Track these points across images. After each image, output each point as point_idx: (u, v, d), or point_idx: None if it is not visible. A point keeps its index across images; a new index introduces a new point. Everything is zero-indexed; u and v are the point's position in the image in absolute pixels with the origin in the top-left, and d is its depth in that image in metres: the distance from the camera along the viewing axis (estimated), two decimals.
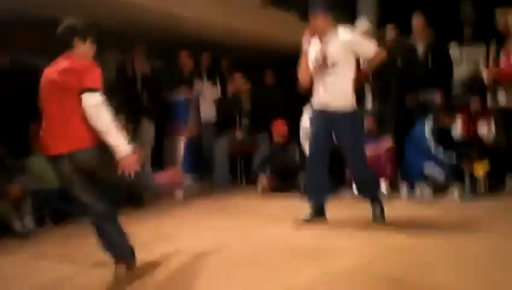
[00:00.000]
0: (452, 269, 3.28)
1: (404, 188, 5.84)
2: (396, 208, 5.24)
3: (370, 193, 4.74)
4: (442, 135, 5.71)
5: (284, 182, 6.58)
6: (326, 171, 4.69)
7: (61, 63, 3.26)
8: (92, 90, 3.12)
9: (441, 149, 5.59)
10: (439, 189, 5.58)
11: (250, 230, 4.61)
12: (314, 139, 4.72)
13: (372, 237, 4.20)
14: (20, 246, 4.59)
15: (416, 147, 5.73)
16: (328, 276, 3.30)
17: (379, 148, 6.05)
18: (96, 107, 3.09)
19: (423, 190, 5.55)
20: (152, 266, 3.56)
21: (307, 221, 4.64)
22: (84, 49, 3.36)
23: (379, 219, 4.61)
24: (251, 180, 7.03)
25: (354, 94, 4.58)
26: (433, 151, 5.60)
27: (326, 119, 4.56)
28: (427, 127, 5.70)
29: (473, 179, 5.59)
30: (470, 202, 5.27)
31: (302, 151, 6.73)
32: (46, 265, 3.96)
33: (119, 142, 3.13)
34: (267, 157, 6.73)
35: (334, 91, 4.50)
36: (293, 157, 6.72)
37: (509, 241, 3.77)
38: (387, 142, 6.03)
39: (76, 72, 3.16)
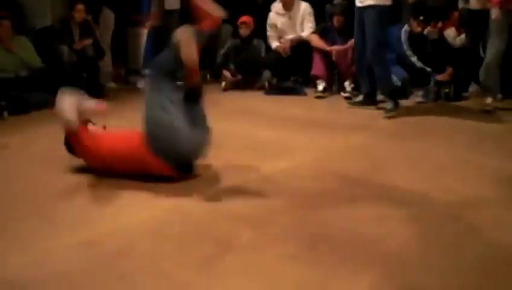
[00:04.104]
0: (406, 170, 3.35)
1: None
2: (359, 107, 5.28)
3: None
4: (415, 41, 5.68)
5: (248, 78, 6.50)
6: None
7: None
8: None
9: (415, 57, 5.62)
10: (404, 93, 5.60)
11: (212, 124, 4.58)
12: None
13: (332, 135, 4.24)
14: None
15: (389, 52, 5.71)
16: (283, 170, 3.37)
17: (346, 46, 5.98)
18: None
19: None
20: None
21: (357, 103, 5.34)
22: None
23: (389, 112, 4.95)
24: (214, 75, 6.92)
25: None
26: (408, 57, 5.62)
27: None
28: (403, 33, 5.67)
29: (438, 85, 5.59)
30: (431, 107, 5.31)
31: (268, 47, 6.63)
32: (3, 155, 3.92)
33: None
34: (231, 51, 6.59)
35: None
36: (258, 52, 6.60)
37: (464, 150, 3.83)
38: None
39: None
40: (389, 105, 5.02)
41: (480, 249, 2.28)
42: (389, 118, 4.86)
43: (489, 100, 5.05)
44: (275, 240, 2.40)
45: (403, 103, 5.39)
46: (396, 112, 4.94)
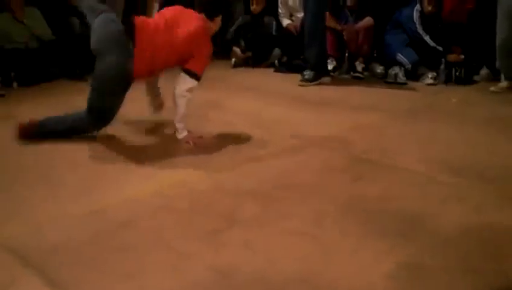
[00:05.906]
0: (413, 150, 3.32)
1: (378, 69, 5.82)
2: (370, 87, 5.26)
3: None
4: (428, 22, 5.62)
5: (258, 55, 6.47)
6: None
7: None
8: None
9: (427, 36, 5.56)
10: (414, 74, 5.56)
11: (222, 101, 4.59)
12: None
13: (340, 114, 4.22)
14: None
15: (401, 32, 5.68)
16: (291, 148, 3.37)
17: (358, 26, 5.93)
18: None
19: (397, 73, 5.51)
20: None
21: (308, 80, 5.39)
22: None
23: (307, 80, 5.36)
24: (224, 52, 6.89)
25: None
26: (421, 36, 5.58)
27: None
28: (415, 12, 5.62)
29: (448, 67, 5.53)
30: (441, 89, 5.27)
31: (279, 25, 6.59)
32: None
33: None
34: (242, 28, 6.56)
35: None
36: (269, 29, 6.56)
37: (476, 128, 3.81)
38: (367, 21, 5.90)
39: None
40: (309, 75, 5.37)
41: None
42: (301, 85, 5.30)
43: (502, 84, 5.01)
44: (279, 215, 2.41)
45: (414, 85, 5.36)
46: (310, 82, 5.32)
